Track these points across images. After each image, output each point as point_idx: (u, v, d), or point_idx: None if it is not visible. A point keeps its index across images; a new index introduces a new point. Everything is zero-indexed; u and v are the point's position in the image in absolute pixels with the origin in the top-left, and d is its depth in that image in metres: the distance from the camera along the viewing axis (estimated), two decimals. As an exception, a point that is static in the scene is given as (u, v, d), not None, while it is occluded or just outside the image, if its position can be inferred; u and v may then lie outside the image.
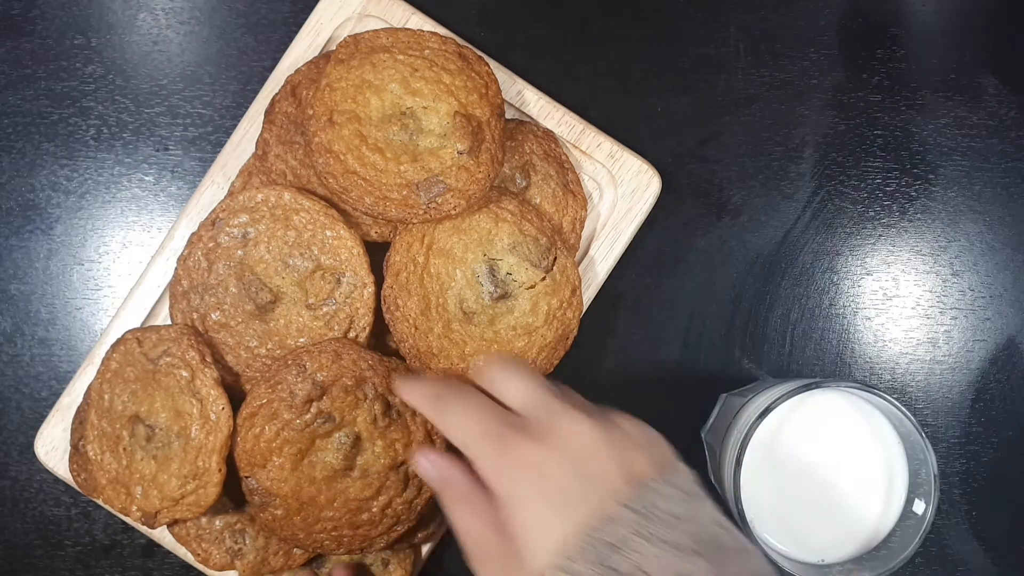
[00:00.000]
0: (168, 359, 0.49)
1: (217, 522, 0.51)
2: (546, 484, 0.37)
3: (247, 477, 0.48)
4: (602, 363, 0.57)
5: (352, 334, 0.50)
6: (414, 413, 0.48)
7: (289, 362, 0.48)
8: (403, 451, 0.48)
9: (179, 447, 0.48)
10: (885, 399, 0.46)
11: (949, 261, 0.58)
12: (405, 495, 0.49)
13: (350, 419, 0.48)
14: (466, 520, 0.39)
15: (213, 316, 0.51)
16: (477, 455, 0.39)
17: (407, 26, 0.54)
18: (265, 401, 0.48)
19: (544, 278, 0.51)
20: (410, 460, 0.48)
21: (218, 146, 0.56)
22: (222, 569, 0.51)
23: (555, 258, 0.51)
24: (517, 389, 0.41)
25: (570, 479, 0.36)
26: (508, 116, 0.54)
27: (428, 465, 0.42)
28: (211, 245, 0.51)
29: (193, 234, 0.51)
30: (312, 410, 0.48)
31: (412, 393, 0.44)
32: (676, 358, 0.57)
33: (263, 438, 0.48)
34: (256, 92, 0.55)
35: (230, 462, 0.49)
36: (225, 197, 0.53)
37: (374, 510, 0.48)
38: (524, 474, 0.37)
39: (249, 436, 0.48)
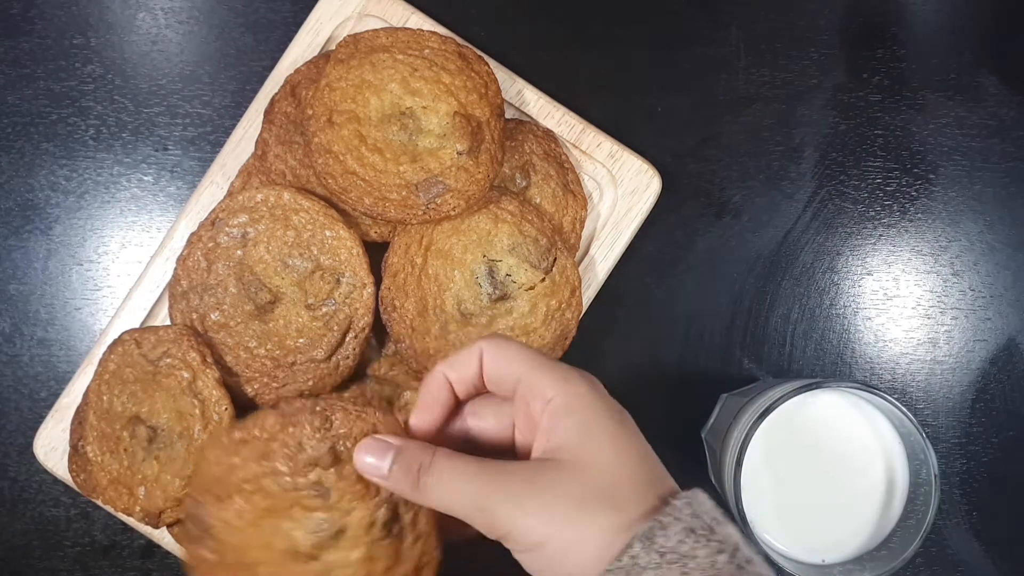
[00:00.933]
0: (168, 360, 0.49)
1: (216, 523, 0.51)
2: None
3: (197, 502, 0.40)
4: (602, 363, 0.57)
5: (351, 334, 0.50)
6: (416, 540, 0.39)
7: (318, 408, 0.39)
8: (380, 575, 0.39)
9: (182, 448, 0.48)
10: (886, 399, 0.46)
11: (950, 261, 0.58)
12: None
13: (345, 508, 0.38)
14: None
15: (212, 316, 0.50)
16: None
17: (407, 26, 0.54)
18: (267, 436, 0.39)
19: (544, 279, 0.51)
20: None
21: (217, 146, 0.56)
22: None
23: (555, 259, 0.51)
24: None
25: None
26: (508, 116, 0.54)
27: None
28: (210, 245, 0.51)
29: (192, 234, 0.51)
30: (311, 476, 0.38)
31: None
32: (676, 358, 0.57)
33: (240, 473, 0.39)
34: (255, 92, 0.55)
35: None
36: (224, 197, 0.52)
37: None
38: None
39: (224, 461, 0.39)
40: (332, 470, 0.38)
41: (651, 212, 0.55)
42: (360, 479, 0.38)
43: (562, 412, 0.36)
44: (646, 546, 0.32)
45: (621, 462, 0.35)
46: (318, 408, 0.39)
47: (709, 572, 0.31)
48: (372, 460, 0.37)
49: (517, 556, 0.35)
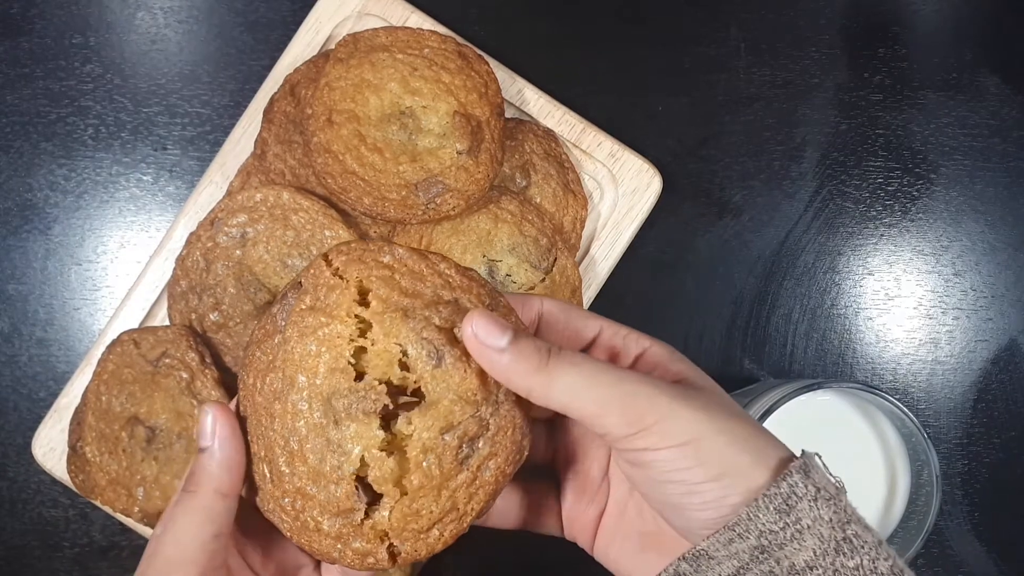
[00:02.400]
0: (167, 360, 0.49)
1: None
2: None
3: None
4: (602, 363, 0.57)
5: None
6: (472, 486, 0.34)
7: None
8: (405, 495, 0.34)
9: (181, 448, 0.48)
10: (887, 400, 0.46)
11: (951, 261, 0.58)
12: None
13: (447, 385, 0.33)
14: None
15: (211, 316, 0.50)
16: None
17: (406, 24, 0.54)
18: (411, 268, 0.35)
19: (544, 279, 0.51)
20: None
21: (216, 145, 0.56)
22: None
23: (555, 259, 0.51)
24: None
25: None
26: (508, 115, 0.54)
27: None
28: (209, 245, 0.50)
29: (191, 234, 0.51)
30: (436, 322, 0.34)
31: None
32: (677, 358, 0.57)
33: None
34: (255, 91, 0.55)
35: None
36: (224, 197, 0.52)
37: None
38: None
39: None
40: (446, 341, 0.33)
41: (651, 212, 0.55)
42: (469, 368, 0.33)
43: (667, 358, 0.36)
44: (803, 478, 0.31)
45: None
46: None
47: (854, 516, 0.32)
48: (492, 326, 0.32)
49: (647, 456, 0.32)
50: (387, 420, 0.33)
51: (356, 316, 0.33)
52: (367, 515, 0.33)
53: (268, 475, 0.34)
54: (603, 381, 0.32)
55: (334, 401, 0.33)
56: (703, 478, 0.31)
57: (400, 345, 0.33)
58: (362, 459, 0.33)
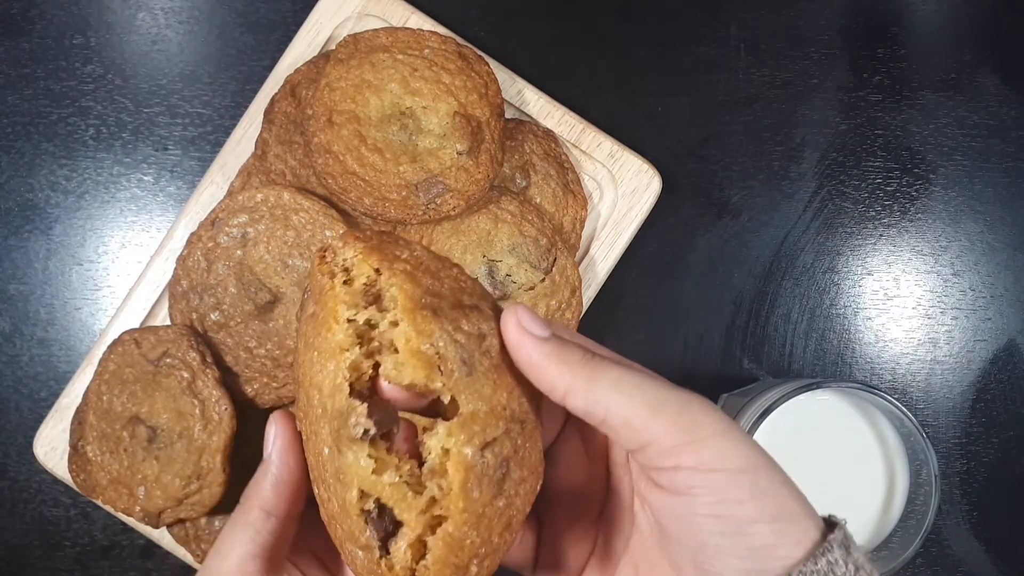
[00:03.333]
0: (168, 360, 0.49)
1: (216, 522, 0.51)
2: None
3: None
4: (602, 363, 0.57)
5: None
6: (506, 524, 0.30)
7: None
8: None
9: (182, 448, 0.48)
10: (886, 399, 0.46)
11: (950, 261, 0.58)
12: None
13: (477, 402, 0.29)
14: None
15: (212, 316, 0.50)
16: None
17: (407, 25, 0.54)
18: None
19: (544, 279, 0.51)
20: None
21: (217, 146, 0.56)
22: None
23: (555, 259, 0.51)
24: None
25: None
26: (508, 116, 0.54)
27: None
28: (210, 245, 0.51)
29: (192, 234, 0.51)
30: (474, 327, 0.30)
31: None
32: (676, 358, 0.57)
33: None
34: (255, 92, 0.55)
35: (233, 462, 0.49)
36: (224, 197, 0.52)
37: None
38: None
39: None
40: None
41: (651, 212, 0.55)
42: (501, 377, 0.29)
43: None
44: (844, 554, 0.27)
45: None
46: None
47: None
48: (536, 317, 0.29)
49: (693, 478, 0.28)
50: (389, 442, 0.29)
51: (350, 320, 0.29)
52: (387, 550, 0.28)
53: (318, 496, 0.31)
54: (653, 383, 0.29)
55: (336, 423, 0.29)
56: (756, 516, 0.27)
57: (434, 347, 0.28)
58: (360, 491, 0.28)
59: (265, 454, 0.31)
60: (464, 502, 0.27)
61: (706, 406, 0.29)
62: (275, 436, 0.31)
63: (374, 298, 0.29)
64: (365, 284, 0.29)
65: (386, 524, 0.28)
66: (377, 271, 0.29)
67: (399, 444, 0.29)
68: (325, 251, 0.31)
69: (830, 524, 0.29)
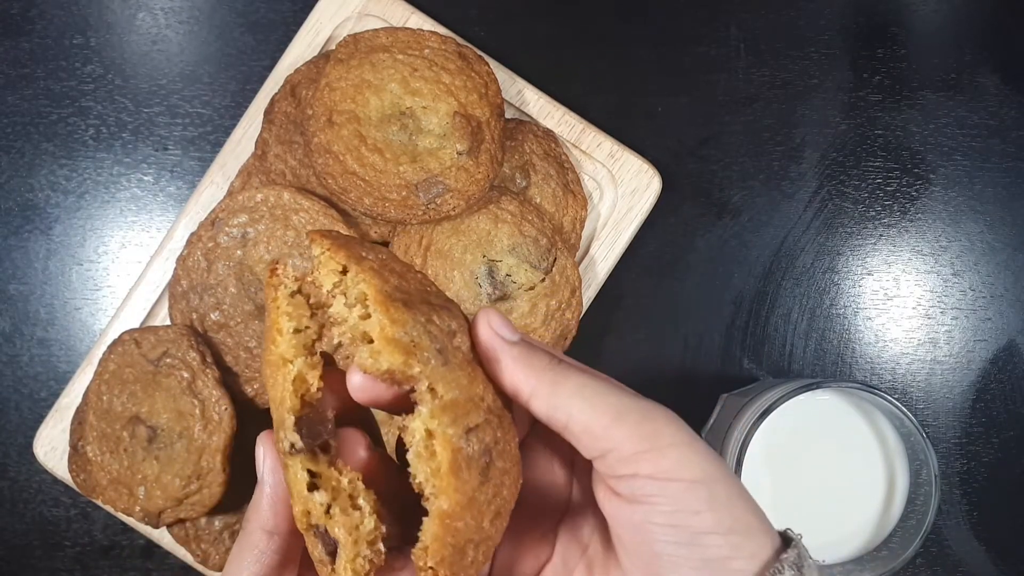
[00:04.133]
0: (168, 360, 0.49)
1: (216, 522, 0.51)
2: None
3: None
4: (602, 363, 0.57)
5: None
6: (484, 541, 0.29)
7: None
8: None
9: (182, 447, 0.48)
10: (886, 399, 0.46)
11: (950, 261, 0.58)
12: None
13: (456, 388, 0.29)
14: None
15: (212, 316, 0.50)
16: None
17: (407, 25, 0.54)
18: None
19: (544, 279, 0.51)
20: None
21: (217, 146, 0.56)
22: (221, 570, 0.51)
23: (555, 259, 0.51)
24: None
25: None
26: (508, 116, 0.54)
27: None
28: (210, 245, 0.51)
29: (192, 234, 0.51)
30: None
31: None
32: (676, 358, 0.57)
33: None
34: (255, 92, 0.55)
35: (233, 462, 0.49)
36: (224, 197, 0.52)
37: None
38: None
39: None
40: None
41: (651, 212, 0.55)
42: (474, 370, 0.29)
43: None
44: (794, 574, 0.28)
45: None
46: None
47: None
48: (505, 321, 0.30)
49: (651, 486, 0.28)
50: (328, 453, 0.29)
51: (296, 331, 0.29)
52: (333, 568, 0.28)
53: None
54: (616, 391, 0.29)
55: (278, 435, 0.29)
56: (711, 527, 0.27)
57: (408, 335, 0.28)
58: (307, 510, 0.28)
59: (259, 475, 0.31)
60: (456, 481, 0.27)
61: (668, 416, 0.29)
62: (263, 455, 0.31)
63: (320, 307, 0.30)
64: (333, 286, 0.29)
65: (332, 539, 0.28)
66: (344, 270, 0.29)
67: (341, 457, 0.29)
68: (276, 264, 0.31)
69: (786, 540, 0.29)
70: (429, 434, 0.28)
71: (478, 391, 0.29)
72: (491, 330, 0.30)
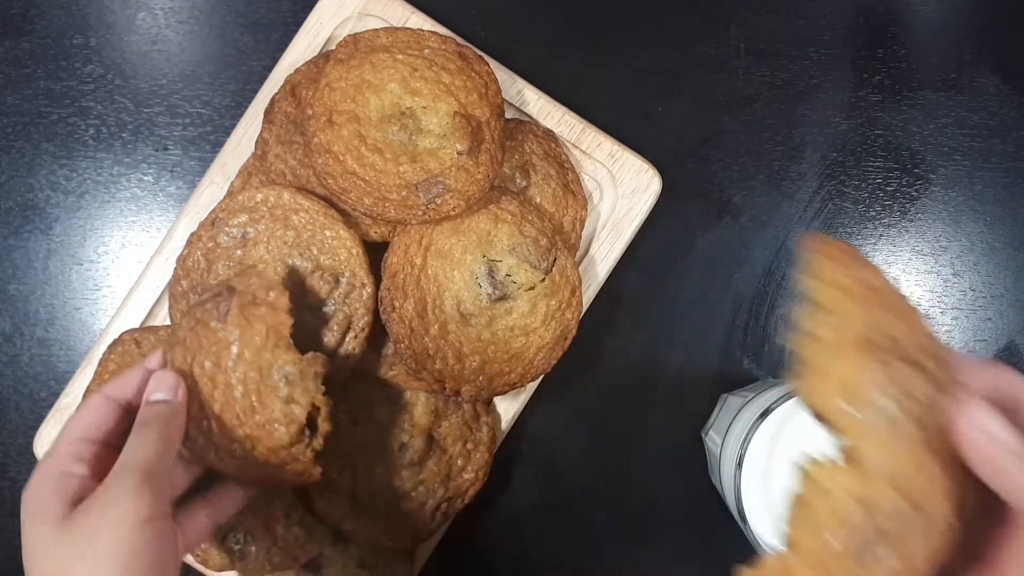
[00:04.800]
0: (167, 359, 0.49)
1: (216, 523, 0.51)
2: None
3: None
4: (602, 363, 0.57)
5: (351, 334, 0.50)
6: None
7: None
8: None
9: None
10: (886, 399, 0.46)
11: (950, 261, 0.58)
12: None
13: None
14: None
15: (212, 316, 0.50)
16: None
17: (407, 25, 0.54)
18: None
19: (544, 279, 0.51)
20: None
21: (217, 146, 0.56)
22: (221, 570, 0.51)
23: (555, 259, 0.51)
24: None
25: None
26: (508, 116, 0.54)
27: None
28: (210, 245, 0.51)
29: (192, 234, 0.51)
30: None
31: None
32: (676, 358, 0.57)
33: None
34: (255, 92, 0.55)
35: None
36: (224, 197, 0.52)
37: None
38: None
39: None
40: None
41: (651, 212, 0.55)
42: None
43: None
44: None
45: None
46: None
47: None
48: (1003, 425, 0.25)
49: None
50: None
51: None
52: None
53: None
54: None
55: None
56: None
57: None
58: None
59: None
60: (816, 543, 0.25)
61: None
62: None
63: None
64: None
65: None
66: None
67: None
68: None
69: None
70: (820, 490, 0.26)
71: (908, 470, 0.26)
72: (987, 436, 0.25)
